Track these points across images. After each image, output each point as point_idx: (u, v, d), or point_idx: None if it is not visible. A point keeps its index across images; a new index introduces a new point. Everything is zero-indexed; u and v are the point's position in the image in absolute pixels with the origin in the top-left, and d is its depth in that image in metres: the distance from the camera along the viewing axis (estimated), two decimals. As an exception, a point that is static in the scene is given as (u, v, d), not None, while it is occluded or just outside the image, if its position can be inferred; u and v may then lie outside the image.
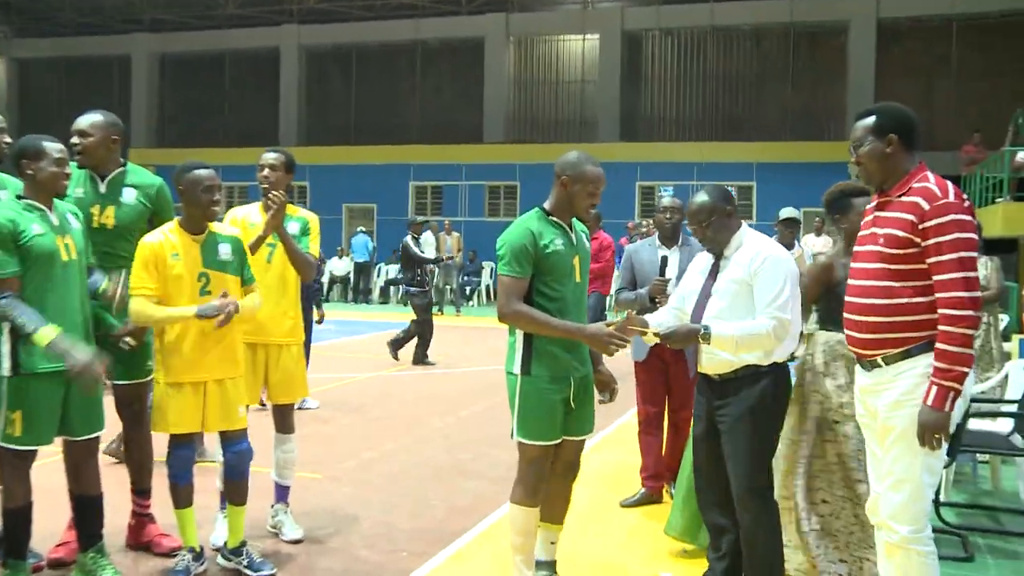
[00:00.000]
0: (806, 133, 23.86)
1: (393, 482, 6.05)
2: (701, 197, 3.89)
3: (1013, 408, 5.71)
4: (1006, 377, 6.65)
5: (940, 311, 3.17)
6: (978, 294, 3.16)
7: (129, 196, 4.39)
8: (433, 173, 25.18)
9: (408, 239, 11.76)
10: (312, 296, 8.77)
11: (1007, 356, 7.49)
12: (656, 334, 3.74)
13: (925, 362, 3.22)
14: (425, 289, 11.62)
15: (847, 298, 3.45)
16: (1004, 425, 5.78)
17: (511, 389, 3.82)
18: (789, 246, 7.44)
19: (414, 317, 11.58)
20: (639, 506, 5.59)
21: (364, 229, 23.37)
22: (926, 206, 3.17)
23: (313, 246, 4.77)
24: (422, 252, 11.69)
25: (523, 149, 24.97)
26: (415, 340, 11.75)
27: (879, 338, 3.31)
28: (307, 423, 7.76)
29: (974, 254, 3.17)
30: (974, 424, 5.77)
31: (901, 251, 3.23)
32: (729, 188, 4.27)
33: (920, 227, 3.17)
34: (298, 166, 5.11)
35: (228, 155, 24.80)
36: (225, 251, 4.19)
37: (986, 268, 7.05)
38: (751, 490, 3.75)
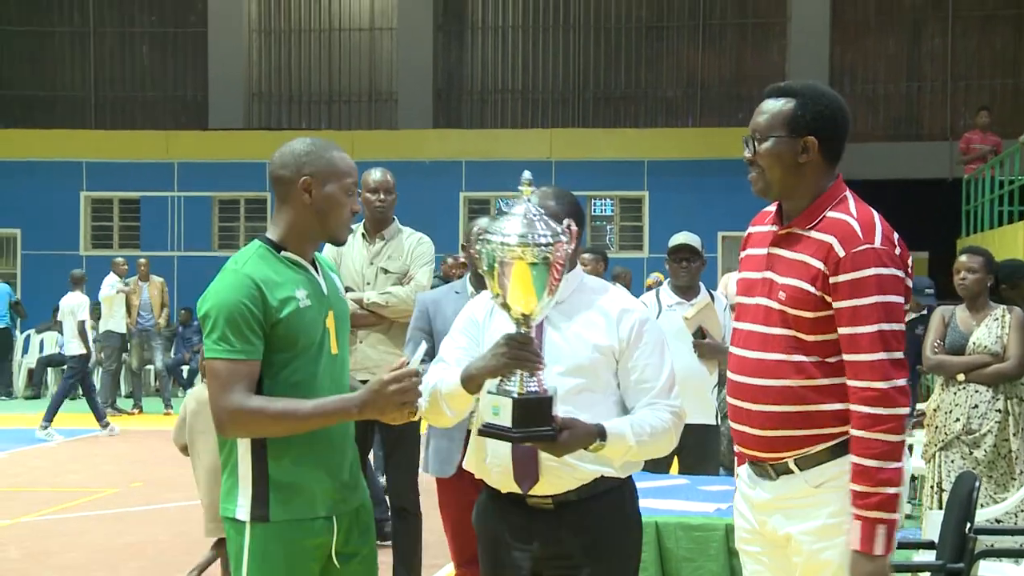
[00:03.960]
0: (726, 116, 24.71)
1: None
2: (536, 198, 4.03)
3: (1044, 541, 5.89)
4: (1032, 493, 6.93)
5: (853, 408, 3.46)
6: (904, 382, 3.44)
7: None
8: (123, 177, 24.60)
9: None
10: None
11: (1034, 461, 7.80)
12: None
13: None
14: None
15: (731, 375, 3.73)
16: (1032, 569, 5.96)
17: (234, 545, 3.78)
18: (688, 289, 7.56)
19: None
20: None
21: None
22: (840, 251, 3.47)
23: None
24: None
25: (276, 140, 24.61)
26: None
27: (788, 436, 3.57)
28: None
29: (900, 326, 3.48)
30: (987, 570, 5.93)
31: (810, 314, 3.51)
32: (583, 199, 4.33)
33: (831, 281, 3.48)
34: None
35: None
36: None
37: (1002, 326, 7.36)
38: None
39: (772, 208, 3.80)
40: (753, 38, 25.33)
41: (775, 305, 3.57)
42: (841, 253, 3.45)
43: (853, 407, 3.44)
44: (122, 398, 19.61)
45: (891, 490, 3.40)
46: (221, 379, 3.64)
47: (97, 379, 20.67)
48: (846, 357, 3.46)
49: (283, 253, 3.80)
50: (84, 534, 9.95)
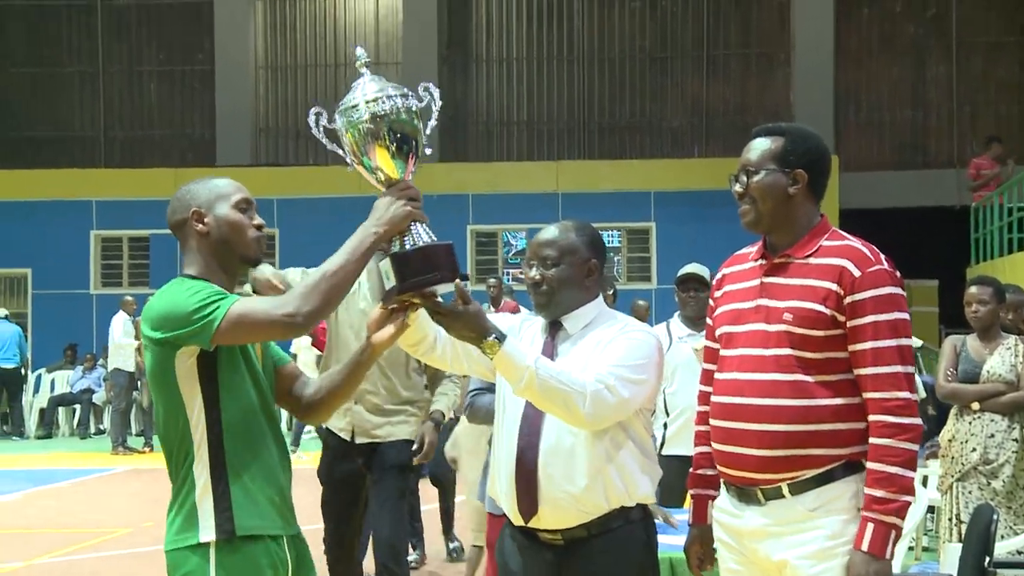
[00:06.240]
0: (732, 145, 24.66)
1: None
2: (557, 231, 4.18)
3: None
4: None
5: (876, 418, 3.64)
6: (917, 398, 3.69)
7: None
8: (132, 216, 24.61)
9: None
10: None
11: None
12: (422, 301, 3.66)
13: (854, 490, 3.66)
14: None
15: (723, 399, 3.87)
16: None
17: (197, 573, 3.64)
18: (698, 320, 7.51)
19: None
20: None
21: (7, 313, 22.53)
22: (856, 272, 3.68)
23: None
24: None
25: (283, 175, 24.80)
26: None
27: (788, 455, 3.70)
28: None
29: (911, 343, 3.71)
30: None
31: (820, 333, 3.70)
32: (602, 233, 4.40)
33: (847, 300, 3.67)
34: None
35: None
36: None
37: (1015, 355, 7.32)
38: None
39: (750, 248, 4.02)
40: (758, 67, 25.37)
41: (778, 328, 3.75)
42: (857, 273, 3.66)
43: (876, 417, 3.62)
44: (133, 436, 19.57)
45: (908, 498, 3.59)
46: (247, 309, 3.55)
47: (107, 417, 20.72)
48: (868, 370, 3.64)
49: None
50: (96, 575, 9.93)
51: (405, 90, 3.61)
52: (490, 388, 5.42)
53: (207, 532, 3.62)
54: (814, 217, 3.85)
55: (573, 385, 3.76)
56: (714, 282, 4.14)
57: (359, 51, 3.69)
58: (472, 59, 26.41)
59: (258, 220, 3.82)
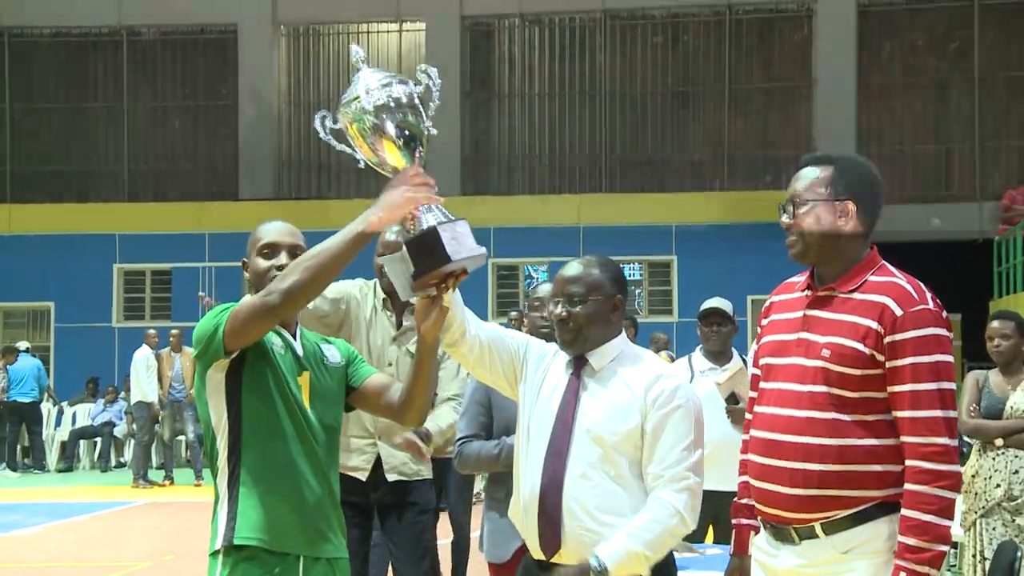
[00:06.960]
0: (753, 179, 24.67)
1: None
2: (582, 267, 4.14)
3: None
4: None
5: (912, 463, 3.53)
6: (956, 444, 3.56)
7: None
8: (154, 249, 24.71)
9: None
10: None
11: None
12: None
13: (890, 531, 3.55)
14: None
15: (759, 433, 3.78)
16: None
17: None
18: (720, 355, 7.49)
19: None
20: None
21: (29, 347, 22.56)
22: (898, 310, 3.57)
23: None
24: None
25: (306, 210, 24.82)
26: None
27: (820, 495, 3.59)
28: None
29: (954, 386, 3.60)
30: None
31: (858, 371, 3.59)
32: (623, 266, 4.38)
33: (887, 340, 3.57)
34: None
35: None
36: None
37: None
38: None
39: (799, 278, 3.91)
40: (779, 102, 25.33)
41: (815, 363, 3.64)
42: (899, 312, 3.55)
43: (912, 463, 3.50)
44: (153, 469, 19.57)
45: (943, 547, 3.47)
46: (240, 304, 3.76)
47: (128, 450, 20.72)
48: (906, 414, 3.53)
49: None
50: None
51: (404, 77, 3.62)
52: (477, 435, 5.39)
53: (218, 540, 3.82)
54: (863, 250, 3.75)
55: (668, 519, 3.81)
56: (762, 309, 4.06)
57: (354, 48, 3.73)
58: (495, 94, 26.46)
59: (278, 261, 3.95)
